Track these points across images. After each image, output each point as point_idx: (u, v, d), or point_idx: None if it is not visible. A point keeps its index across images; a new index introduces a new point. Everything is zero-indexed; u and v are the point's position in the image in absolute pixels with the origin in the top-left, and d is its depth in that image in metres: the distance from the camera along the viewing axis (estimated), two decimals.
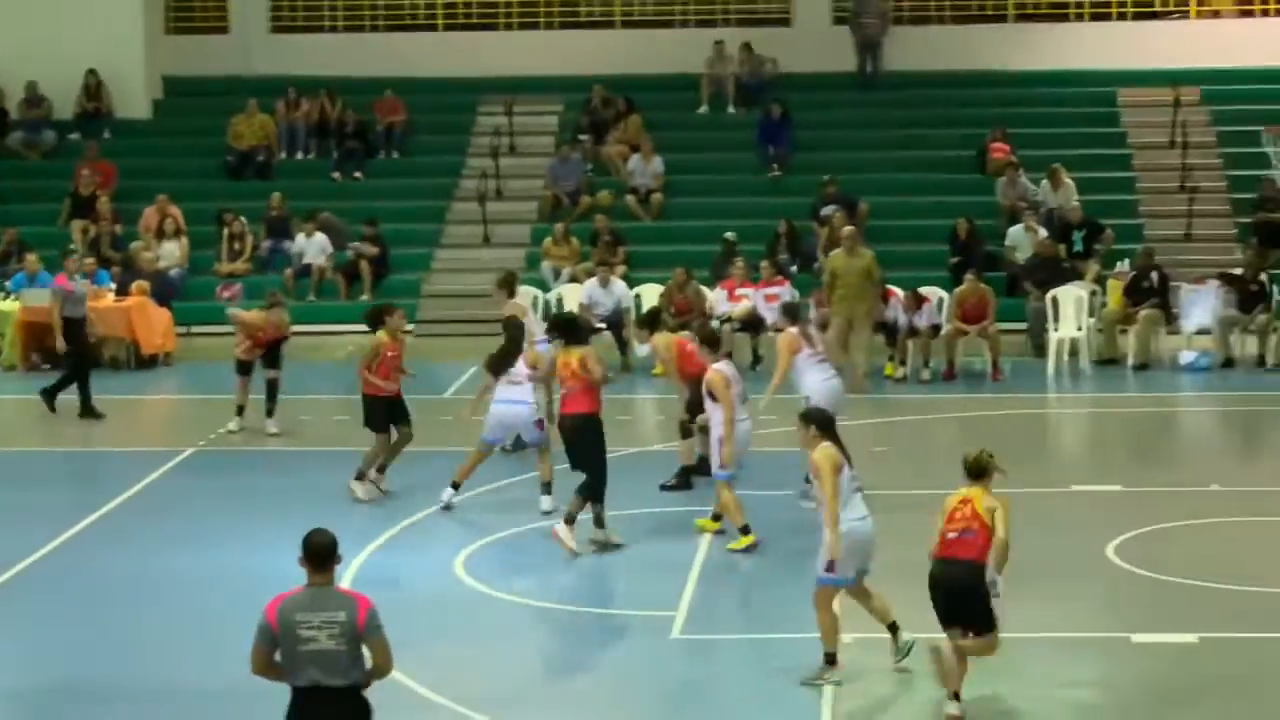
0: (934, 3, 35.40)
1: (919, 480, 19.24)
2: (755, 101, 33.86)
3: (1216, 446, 22.52)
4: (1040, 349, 26.31)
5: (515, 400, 18.32)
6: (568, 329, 17.34)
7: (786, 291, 25.63)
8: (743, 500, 16.96)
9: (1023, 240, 28.74)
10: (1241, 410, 23.94)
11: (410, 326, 29.49)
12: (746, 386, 17.58)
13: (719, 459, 16.84)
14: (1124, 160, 32.39)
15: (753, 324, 25.27)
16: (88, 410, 23.03)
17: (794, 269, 28.62)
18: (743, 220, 30.06)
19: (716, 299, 26.30)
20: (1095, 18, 34.91)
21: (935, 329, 25.54)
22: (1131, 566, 16.30)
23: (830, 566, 13.03)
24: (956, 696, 12.44)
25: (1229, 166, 31.75)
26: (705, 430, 17.44)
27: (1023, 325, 26.98)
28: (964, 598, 12.36)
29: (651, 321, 19.88)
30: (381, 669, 9.97)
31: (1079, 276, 27.35)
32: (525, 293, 23.97)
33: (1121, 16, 34.90)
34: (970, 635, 12.49)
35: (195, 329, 28.79)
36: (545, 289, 27.90)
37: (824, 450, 13.09)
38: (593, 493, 16.63)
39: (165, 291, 28.40)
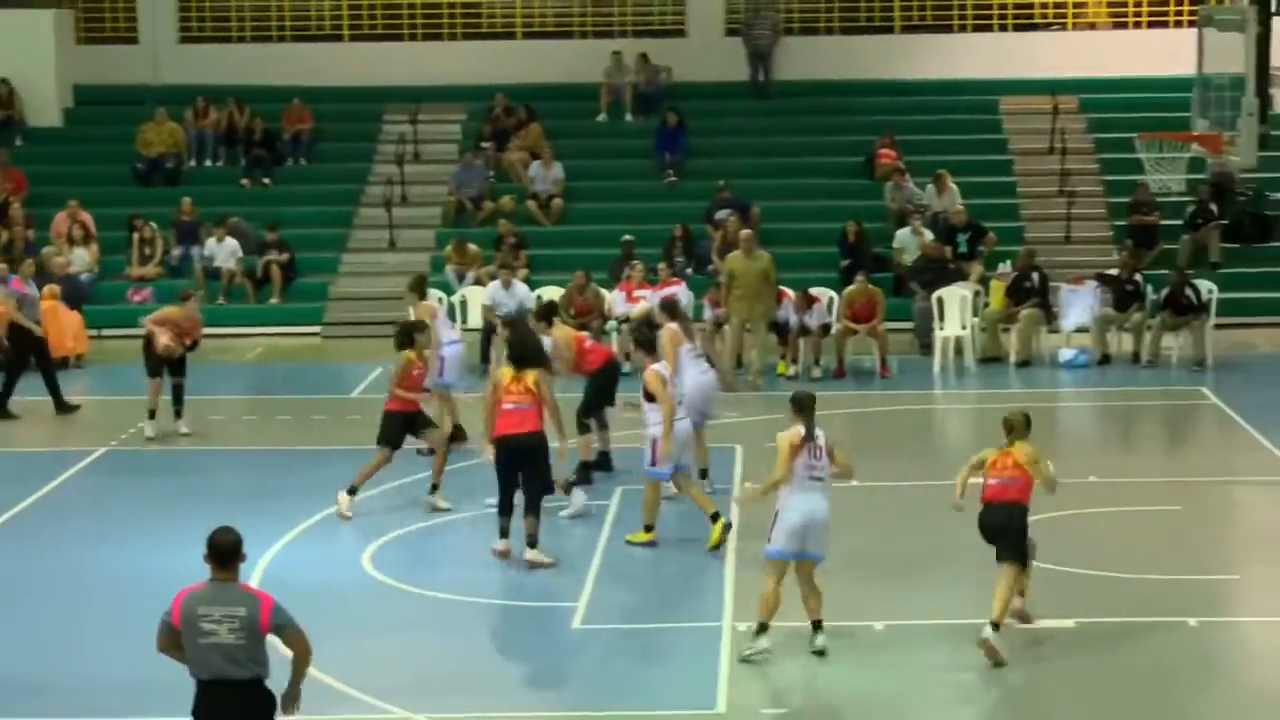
0: (823, 14, 35.55)
1: None
2: (651, 110, 33.93)
3: (1094, 440, 22.73)
4: (927, 347, 26.48)
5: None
6: (535, 356, 16.78)
7: (683, 292, 25.65)
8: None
9: (909, 243, 28.91)
10: (1118, 405, 24.18)
11: (317, 329, 29.58)
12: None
13: (648, 458, 16.76)
14: (1006, 166, 32.65)
15: (648, 325, 25.23)
16: (3, 411, 22.91)
17: (689, 271, 28.69)
18: (640, 224, 30.08)
19: (615, 300, 26.32)
20: (978, 29, 35.17)
21: (826, 328, 25.66)
22: None
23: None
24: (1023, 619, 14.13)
25: (1105, 172, 32.06)
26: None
27: (910, 324, 27.14)
28: (1006, 533, 13.76)
29: (547, 315, 19.80)
30: (301, 659, 9.99)
31: (963, 277, 27.54)
32: (431, 295, 23.96)
33: (1003, 28, 35.17)
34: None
35: (106, 332, 28.52)
36: (450, 292, 27.84)
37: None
38: (539, 508, 16.38)
39: (76, 295, 28.17)
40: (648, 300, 25.53)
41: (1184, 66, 28.39)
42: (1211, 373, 25.07)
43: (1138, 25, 35.17)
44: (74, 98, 35.01)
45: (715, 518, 16.71)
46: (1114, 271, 27.04)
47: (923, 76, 34.51)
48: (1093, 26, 35.55)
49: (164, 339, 21.21)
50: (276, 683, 10.05)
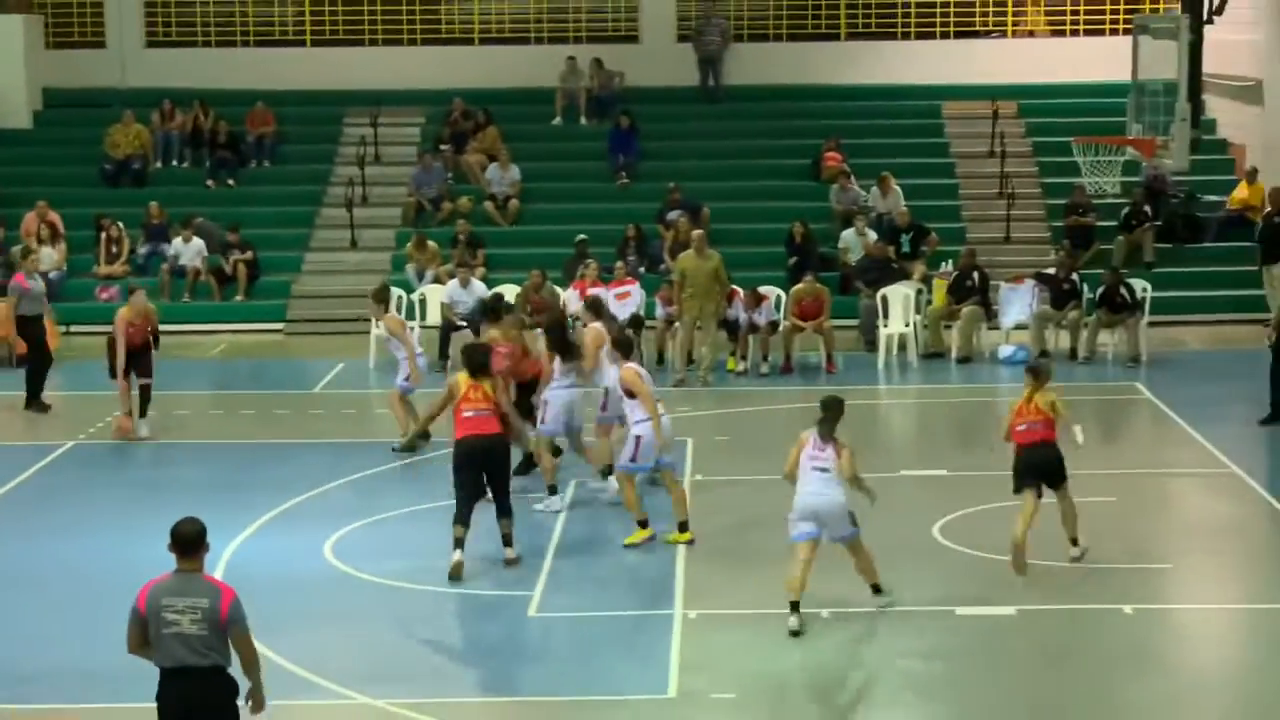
0: (771, 21, 35.56)
1: (759, 466, 19.37)
2: (605, 114, 33.90)
3: None
4: (871, 344, 26.51)
5: (569, 385, 18.10)
6: (474, 362, 16.25)
7: (636, 290, 25.64)
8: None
9: (854, 243, 28.94)
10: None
11: (280, 326, 29.47)
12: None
13: (628, 454, 16.53)
14: (948, 168, 32.70)
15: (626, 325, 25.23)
16: (33, 401, 22.78)
17: (641, 270, 28.66)
18: (594, 225, 30.04)
19: (569, 298, 26.27)
20: (921, 36, 35.22)
21: (774, 325, 25.67)
22: (955, 545, 16.50)
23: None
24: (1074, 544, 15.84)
25: (1043, 174, 32.14)
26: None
27: (855, 322, 27.16)
28: (1046, 466, 15.59)
29: (493, 312, 19.70)
30: (247, 661, 9.93)
31: (906, 276, 27.59)
32: (392, 294, 23.92)
33: (945, 35, 35.24)
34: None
35: (74, 328, 28.37)
36: (410, 290, 27.77)
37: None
38: (510, 509, 16.15)
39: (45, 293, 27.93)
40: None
41: (1119, 73, 28.53)
42: (1145, 369, 25.16)
43: (1075, 33, 35.28)
44: (43, 100, 34.82)
45: (644, 524, 16.56)
46: (1052, 271, 27.11)
47: (868, 82, 34.58)
48: (1031, 34, 35.65)
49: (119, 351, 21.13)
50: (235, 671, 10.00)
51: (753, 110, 34.14)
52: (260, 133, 33.48)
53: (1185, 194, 31.00)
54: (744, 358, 25.48)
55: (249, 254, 30.07)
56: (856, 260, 28.51)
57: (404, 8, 35.58)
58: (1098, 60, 33.06)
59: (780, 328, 25.67)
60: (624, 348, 17.19)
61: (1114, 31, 34.25)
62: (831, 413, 14.46)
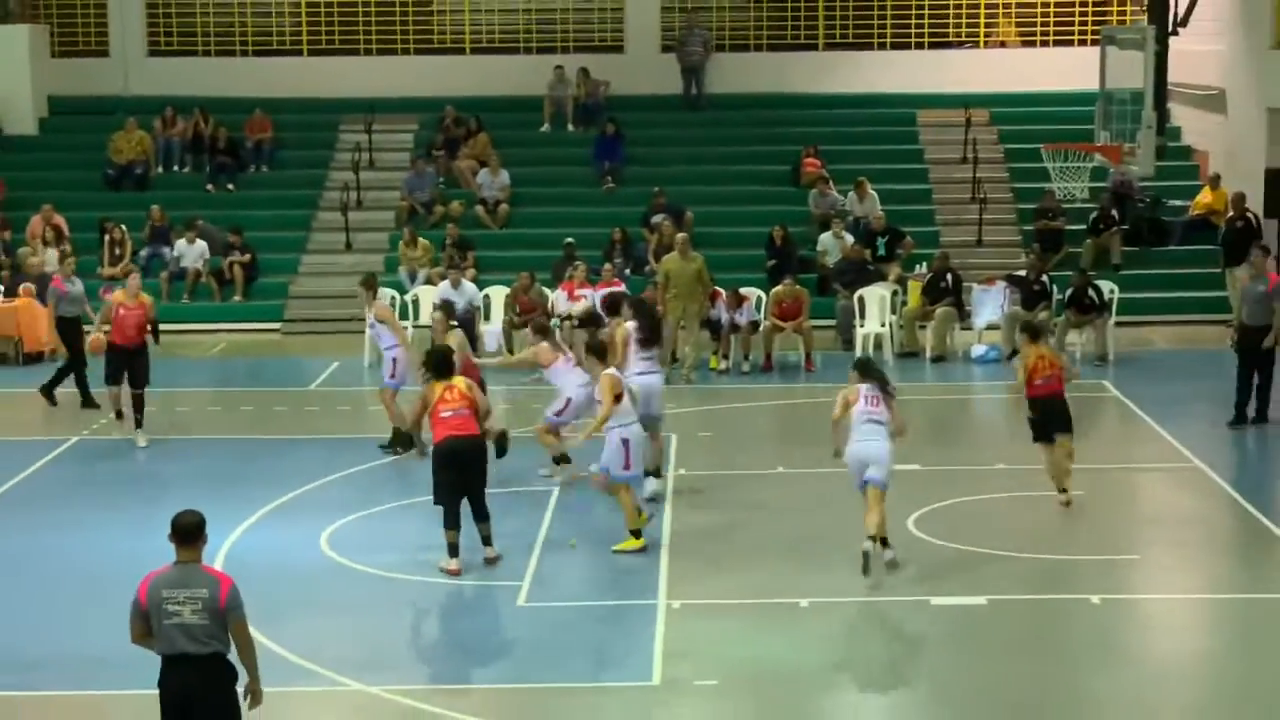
0: (752, 32, 35.57)
1: (740, 460, 19.40)
2: (592, 121, 33.89)
3: (1003, 430, 22.70)
4: (849, 343, 26.51)
5: (650, 371, 18.02)
6: (442, 365, 15.86)
7: (621, 292, 25.59)
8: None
9: (832, 246, 28.95)
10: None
11: (278, 325, 29.42)
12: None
13: (620, 462, 16.19)
14: (922, 174, 32.73)
15: (591, 321, 25.16)
16: (87, 400, 22.66)
17: (627, 272, 28.64)
18: (581, 228, 30.02)
19: (558, 299, 26.26)
20: (896, 47, 35.24)
21: (754, 325, 25.67)
22: (929, 537, 16.48)
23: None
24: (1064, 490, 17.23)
25: (1014, 180, 32.16)
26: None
27: (833, 322, 27.18)
28: (1059, 414, 17.21)
29: (447, 312, 19.58)
30: (243, 647, 9.91)
31: (882, 278, 27.59)
32: (384, 293, 23.94)
33: (919, 46, 35.25)
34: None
35: None
36: (403, 291, 27.73)
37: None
38: (487, 511, 15.89)
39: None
40: (588, 299, 25.55)
41: (1088, 82, 28.59)
42: (1113, 367, 25.18)
43: (1045, 44, 35.31)
44: (49, 108, 34.76)
45: (636, 534, 16.23)
46: (1022, 273, 27.11)
47: (845, 91, 34.58)
48: (1003, 45, 35.67)
49: (99, 339, 20.99)
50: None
51: (734, 118, 34.14)
52: (258, 139, 33.44)
53: (1151, 199, 31.04)
54: (726, 356, 25.48)
55: (248, 256, 30.03)
56: (834, 262, 28.52)
57: (398, 19, 35.56)
58: (1067, 70, 33.10)
59: (761, 328, 25.67)
60: (600, 354, 16.89)
61: (1083, 42, 34.27)
62: (876, 373, 15.54)
